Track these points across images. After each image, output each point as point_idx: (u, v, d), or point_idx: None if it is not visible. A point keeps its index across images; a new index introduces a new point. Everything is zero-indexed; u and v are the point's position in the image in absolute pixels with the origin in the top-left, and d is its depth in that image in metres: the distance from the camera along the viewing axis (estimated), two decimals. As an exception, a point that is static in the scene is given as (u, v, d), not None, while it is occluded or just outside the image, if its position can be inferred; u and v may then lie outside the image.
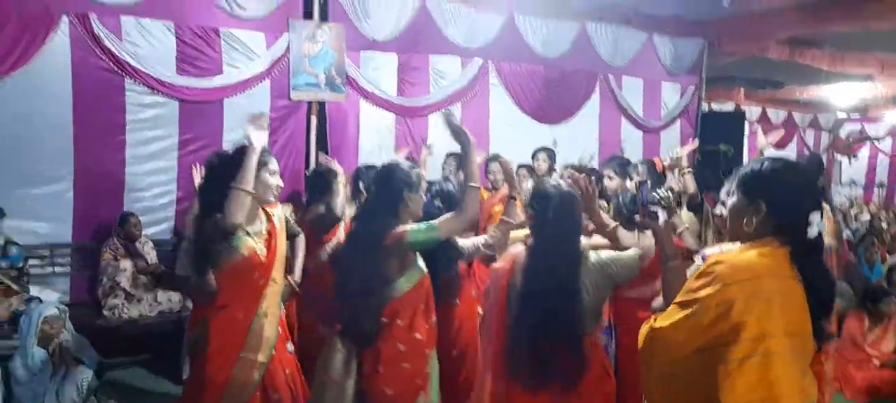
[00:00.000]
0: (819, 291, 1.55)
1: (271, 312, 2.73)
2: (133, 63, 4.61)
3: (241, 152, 2.59)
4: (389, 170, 2.53)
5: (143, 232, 4.74)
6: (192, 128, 4.93)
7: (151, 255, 4.73)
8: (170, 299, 4.60)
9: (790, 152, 12.99)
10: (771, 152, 4.75)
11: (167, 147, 4.86)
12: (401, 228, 2.40)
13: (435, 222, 2.43)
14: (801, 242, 1.55)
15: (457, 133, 2.54)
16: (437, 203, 2.96)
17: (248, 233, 2.63)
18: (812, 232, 1.53)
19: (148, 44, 4.69)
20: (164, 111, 4.81)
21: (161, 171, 4.87)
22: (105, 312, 4.44)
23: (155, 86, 4.71)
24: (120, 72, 4.60)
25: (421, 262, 2.53)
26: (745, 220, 1.61)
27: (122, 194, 4.75)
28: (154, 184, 4.87)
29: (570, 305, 2.22)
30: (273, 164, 2.73)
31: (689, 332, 1.52)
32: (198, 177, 3.80)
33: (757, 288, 1.48)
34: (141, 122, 4.75)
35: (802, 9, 5.99)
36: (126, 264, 4.48)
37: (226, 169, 2.60)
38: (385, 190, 2.49)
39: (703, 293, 1.51)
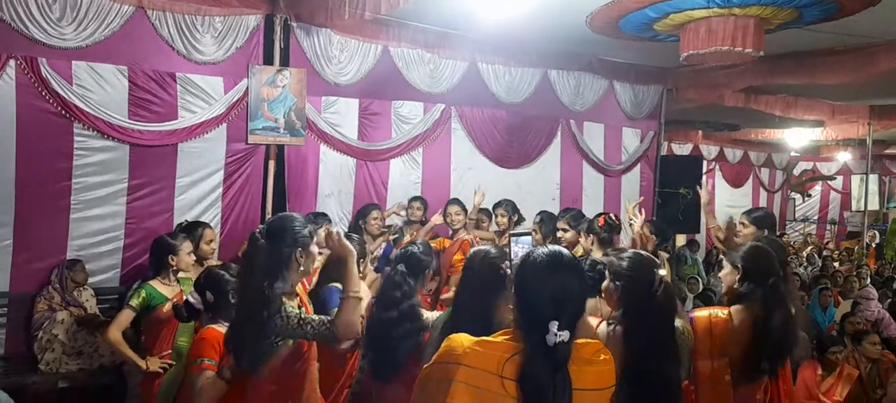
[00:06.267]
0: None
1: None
2: (82, 106, 4.46)
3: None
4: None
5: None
6: (144, 173, 4.78)
7: (90, 304, 4.53)
8: (111, 351, 4.39)
9: (746, 190, 13.38)
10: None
11: (116, 192, 4.69)
12: None
13: None
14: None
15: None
16: (401, 267, 2.82)
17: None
18: (549, 338, 1.55)
19: (99, 87, 4.54)
20: (113, 155, 4.65)
21: (108, 217, 4.68)
22: (41, 367, 4.22)
23: (105, 130, 4.55)
24: (68, 116, 4.44)
25: None
26: None
27: (66, 241, 4.55)
28: (100, 231, 4.67)
29: (672, 389, 2.15)
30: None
31: None
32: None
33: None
34: (88, 167, 4.58)
35: (756, 62, 6.17)
36: (63, 315, 4.27)
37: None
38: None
39: None
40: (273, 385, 2.28)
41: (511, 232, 3.94)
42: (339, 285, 3.03)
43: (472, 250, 2.58)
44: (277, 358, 2.26)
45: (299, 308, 2.35)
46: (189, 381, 2.58)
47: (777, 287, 2.81)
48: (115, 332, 3.47)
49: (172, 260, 3.62)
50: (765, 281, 2.76)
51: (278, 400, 2.31)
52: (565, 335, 1.54)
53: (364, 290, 3.21)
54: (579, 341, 1.66)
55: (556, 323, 1.54)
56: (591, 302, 2.87)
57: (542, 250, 1.72)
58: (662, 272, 2.23)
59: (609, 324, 2.26)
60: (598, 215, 3.99)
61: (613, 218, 3.96)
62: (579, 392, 1.58)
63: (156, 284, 3.58)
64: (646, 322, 2.16)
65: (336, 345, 2.72)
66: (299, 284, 2.49)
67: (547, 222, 4.73)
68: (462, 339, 1.65)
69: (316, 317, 2.24)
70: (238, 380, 2.33)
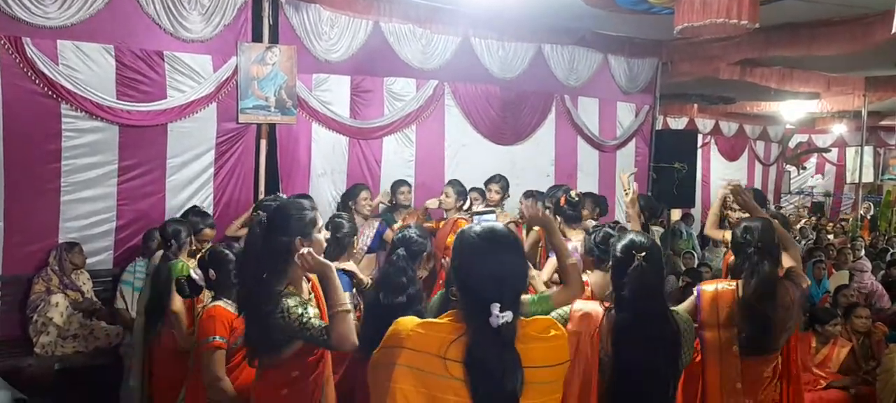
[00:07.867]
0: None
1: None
2: (69, 87, 4.40)
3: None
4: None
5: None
6: (134, 154, 4.73)
7: (87, 287, 4.51)
8: (107, 333, 4.40)
9: (741, 163, 13.37)
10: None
11: (106, 173, 4.65)
12: None
13: None
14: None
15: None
16: (401, 251, 2.82)
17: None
18: (492, 321, 1.49)
19: (86, 67, 4.47)
20: (102, 136, 4.60)
21: (99, 199, 4.65)
22: (37, 350, 4.22)
23: (93, 110, 4.50)
24: (55, 96, 4.38)
25: None
26: None
27: (58, 224, 4.52)
28: (92, 213, 4.64)
29: (669, 380, 2.12)
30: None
31: None
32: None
33: None
34: (77, 148, 4.53)
35: (751, 34, 6.11)
36: (58, 298, 4.26)
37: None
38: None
39: None
40: (295, 371, 2.24)
41: (473, 210, 3.80)
42: (344, 267, 3.03)
43: (459, 230, 2.55)
44: (295, 347, 2.20)
45: (308, 299, 2.25)
46: (200, 359, 2.61)
47: (758, 256, 2.84)
48: (179, 304, 3.31)
49: (194, 239, 3.67)
50: (746, 252, 2.83)
51: (301, 383, 2.26)
52: (508, 315, 1.48)
53: (353, 267, 3.21)
54: (525, 319, 1.62)
55: (498, 305, 1.48)
56: (597, 275, 2.83)
57: (475, 227, 1.65)
58: (643, 254, 2.16)
59: (609, 310, 2.24)
60: (560, 194, 3.91)
61: (573, 194, 3.91)
62: (530, 369, 1.54)
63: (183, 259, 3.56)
64: (627, 306, 2.15)
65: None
66: (312, 276, 2.35)
67: (537, 198, 4.72)
68: (407, 322, 1.60)
69: (316, 324, 2.10)
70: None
